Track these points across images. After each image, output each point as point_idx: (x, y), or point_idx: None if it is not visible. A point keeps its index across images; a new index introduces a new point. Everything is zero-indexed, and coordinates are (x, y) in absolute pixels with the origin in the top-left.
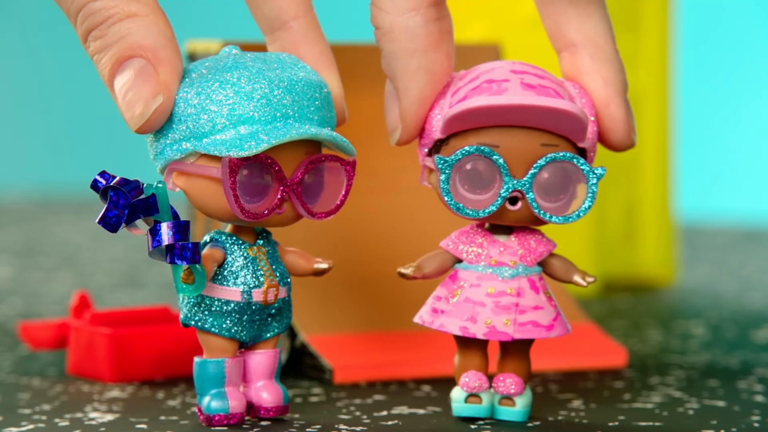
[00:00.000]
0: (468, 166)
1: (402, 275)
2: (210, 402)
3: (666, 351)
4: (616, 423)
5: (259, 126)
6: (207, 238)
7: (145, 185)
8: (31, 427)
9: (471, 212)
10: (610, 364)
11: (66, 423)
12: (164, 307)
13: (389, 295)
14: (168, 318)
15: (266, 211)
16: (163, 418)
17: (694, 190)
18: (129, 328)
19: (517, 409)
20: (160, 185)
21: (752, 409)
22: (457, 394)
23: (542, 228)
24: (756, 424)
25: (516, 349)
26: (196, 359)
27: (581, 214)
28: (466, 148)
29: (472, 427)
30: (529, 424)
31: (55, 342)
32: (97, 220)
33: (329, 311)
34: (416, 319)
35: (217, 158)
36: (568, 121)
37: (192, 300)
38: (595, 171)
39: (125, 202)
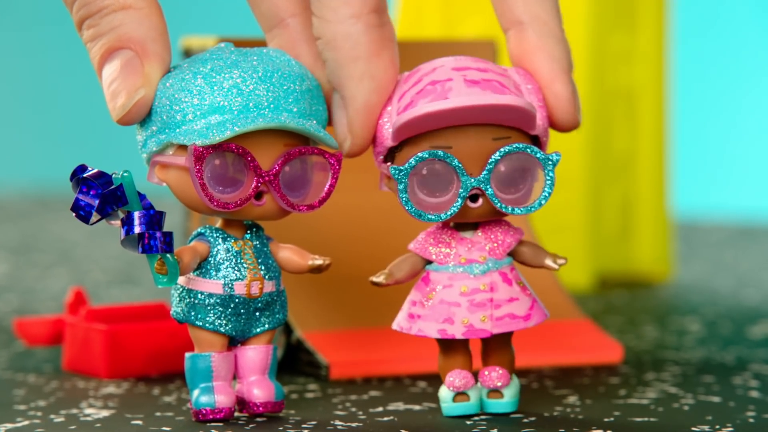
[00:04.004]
0: (424, 171)
1: (375, 284)
2: (198, 396)
3: (661, 347)
4: (612, 419)
5: (230, 115)
6: (195, 233)
7: (113, 176)
8: (26, 423)
9: (433, 216)
10: (606, 360)
11: (61, 419)
12: (160, 303)
13: (385, 291)
14: (163, 315)
15: (238, 202)
16: (158, 414)
17: (690, 187)
18: (124, 324)
19: (506, 400)
20: (125, 174)
21: (747, 405)
22: (444, 394)
23: (536, 224)
24: (751, 420)
25: (497, 342)
26: (187, 355)
27: (543, 202)
28: (420, 154)
29: (468, 423)
30: (525, 420)
31: (50, 338)
32: (70, 209)
33: (325, 307)
34: (394, 326)
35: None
36: (515, 114)
37: (179, 294)
38: (551, 157)
39: (96, 193)
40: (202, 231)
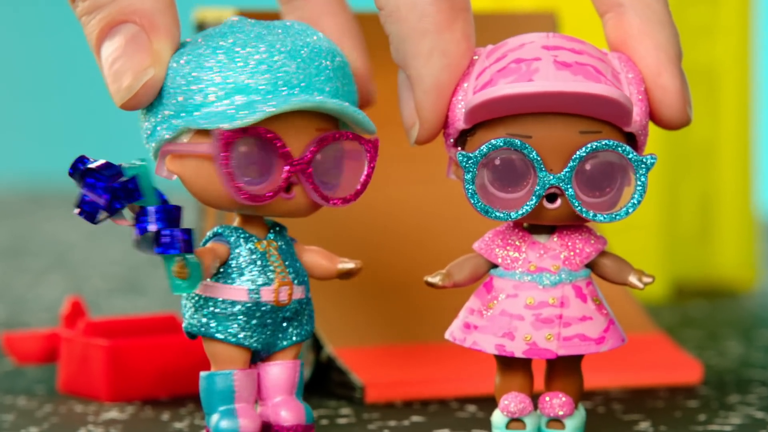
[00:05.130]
0: (497, 161)
1: (430, 285)
2: (219, 421)
3: (747, 365)
4: None
5: (257, 95)
6: (210, 233)
7: (124, 166)
8: None
9: (501, 215)
10: (683, 380)
11: None
12: (169, 315)
13: (428, 302)
14: (173, 328)
15: (269, 193)
16: None
17: None
18: (129, 339)
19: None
20: (142, 163)
21: None
22: (497, 419)
23: (597, 225)
24: None
25: (564, 365)
26: (203, 373)
27: (630, 210)
28: (493, 141)
29: None
30: None
31: (43, 355)
32: (73, 206)
33: (359, 321)
34: (447, 336)
35: (210, 134)
36: (609, 106)
37: (194, 303)
38: (644, 160)
39: (104, 186)
40: (220, 231)
